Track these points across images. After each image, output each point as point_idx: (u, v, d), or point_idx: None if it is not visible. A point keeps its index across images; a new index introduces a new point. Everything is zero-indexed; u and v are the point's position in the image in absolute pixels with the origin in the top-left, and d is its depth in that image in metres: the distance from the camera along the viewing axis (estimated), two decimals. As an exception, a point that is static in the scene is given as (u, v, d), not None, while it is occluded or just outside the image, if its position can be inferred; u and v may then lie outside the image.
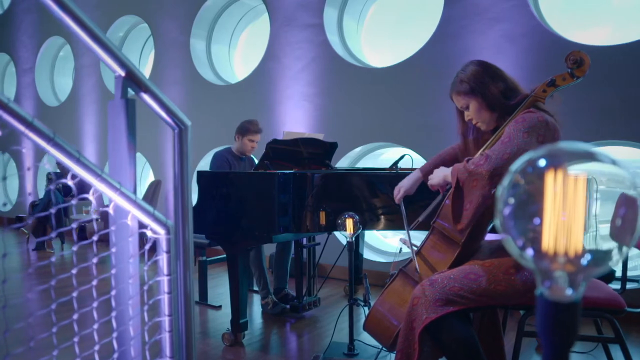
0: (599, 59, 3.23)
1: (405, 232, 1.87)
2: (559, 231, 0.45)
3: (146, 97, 1.09)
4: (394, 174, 2.67)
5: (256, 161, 3.83)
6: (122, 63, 1.02)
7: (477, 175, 1.52)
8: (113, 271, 0.97)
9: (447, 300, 1.57)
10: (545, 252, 0.46)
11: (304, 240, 3.38)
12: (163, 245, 1.04)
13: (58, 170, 6.15)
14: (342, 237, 4.34)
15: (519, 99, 1.68)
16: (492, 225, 1.80)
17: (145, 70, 6.54)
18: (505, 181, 0.47)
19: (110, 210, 0.95)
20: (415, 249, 1.79)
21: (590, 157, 0.45)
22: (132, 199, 0.96)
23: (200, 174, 2.85)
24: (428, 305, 1.57)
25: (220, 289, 4.11)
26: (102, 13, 6.43)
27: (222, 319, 3.35)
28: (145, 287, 1.03)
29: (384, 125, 4.25)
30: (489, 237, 2.07)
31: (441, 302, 1.56)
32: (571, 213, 0.45)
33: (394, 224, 2.63)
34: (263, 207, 2.63)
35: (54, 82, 7.58)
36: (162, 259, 1.04)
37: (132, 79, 1.05)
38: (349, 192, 2.68)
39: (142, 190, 6.05)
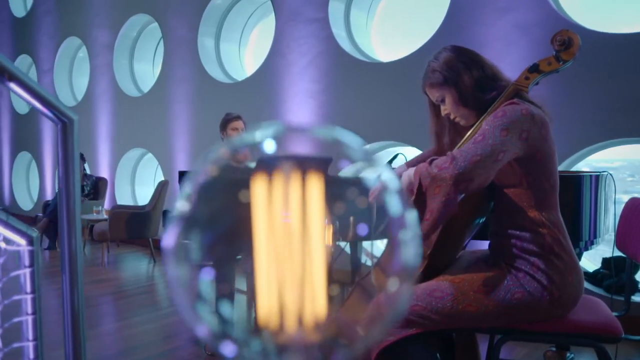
0: (620, 47, 2.93)
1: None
2: (281, 275, 0.26)
3: (15, 87, 0.93)
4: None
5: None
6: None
7: (440, 181, 1.30)
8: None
9: (407, 321, 1.36)
10: (262, 323, 0.26)
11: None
12: (25, 259, 0.88)
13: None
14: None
15: (494, 94, 1.45)
16: (488, 231, 1.57)
17: (157, 69, 6.50)
18: (195, 177, 0.28)
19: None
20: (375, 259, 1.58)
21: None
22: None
23: (181, 174, 2.71)
24: (385, 327, 1.36)
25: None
26: (116, 12, 6.42)
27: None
28: None
29: (390, 123, 4.03)
30: (479, 244, 1.85)
31: (400, 323, 1.36)
32: (305, 250, 0.25)
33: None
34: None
35: (73, 83, 7.65)
36: (24, 274, 0.88)
37: (-9, 64, 0.89)
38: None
39: (151, 190, 6.00)
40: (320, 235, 0.23)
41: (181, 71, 5.61)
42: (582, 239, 2.35)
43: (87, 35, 6.88)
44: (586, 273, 3.21)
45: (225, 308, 0.24)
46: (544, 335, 1.36)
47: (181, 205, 0.24)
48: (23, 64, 8.26)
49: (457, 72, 1.48)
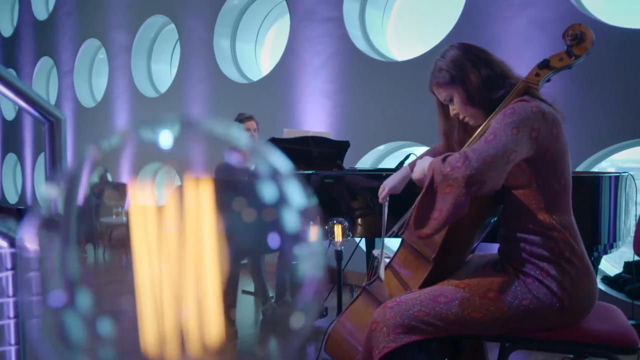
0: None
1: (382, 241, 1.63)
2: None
3: None
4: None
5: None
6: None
7: (452, 181, 1.25)
8: None
9: (409, 327, 1.31)
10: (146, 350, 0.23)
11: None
12: (7, 261, 0.86)
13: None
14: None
15: (502, 93, 1.39)
16: (497, 235, 1.50)
17: (174, 69, 6.55)
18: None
19: None
20: (386, 261, 1.54)
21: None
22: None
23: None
24: (387, 332, 1.32)
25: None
26: (134, 14, 6.48)
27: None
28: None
29: (406, 123, 3.96)
30: (489, 247, 1.79)
31: (402, 329, 1.31)
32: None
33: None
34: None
35: (93, 84, 7.75)
36: (6, 277, 0.86)
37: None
38: (339, 196, 2.44)
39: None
40: (212, 246, 0.19)
41: (198, 71, 5.63)
42: (601, 242, 2.26)
43: (106, 37, 6.96)
44: (607, 277, 3.09)
45: (105, 331, 0.21)
46: (554, 344, 1.30)
47: (50, 192, 0.20)
48: (45, 66, 8.42)
49: (464, 71, 1.43)
